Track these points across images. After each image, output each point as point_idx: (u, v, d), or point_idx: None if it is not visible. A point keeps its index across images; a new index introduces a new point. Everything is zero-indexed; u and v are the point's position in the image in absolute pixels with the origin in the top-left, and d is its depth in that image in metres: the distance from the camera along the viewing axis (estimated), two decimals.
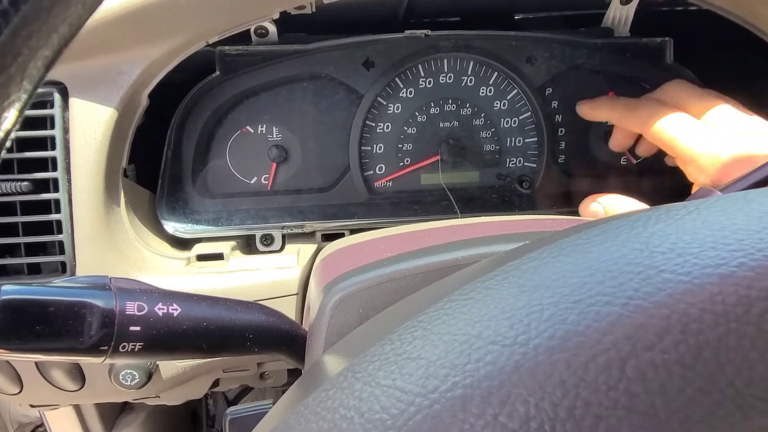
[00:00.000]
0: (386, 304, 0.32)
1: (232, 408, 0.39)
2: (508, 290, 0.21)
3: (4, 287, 0.27)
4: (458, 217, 0.59)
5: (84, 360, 0.28)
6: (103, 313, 0.28)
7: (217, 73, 0.58)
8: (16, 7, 0.14)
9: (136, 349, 0.29)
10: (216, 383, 0.60)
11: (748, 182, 0.45)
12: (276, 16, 0.48)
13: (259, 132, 0.61)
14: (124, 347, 0.29)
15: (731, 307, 0.18)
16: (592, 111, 0.61)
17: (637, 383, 0.17)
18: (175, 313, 0.30)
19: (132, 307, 0.29)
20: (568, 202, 0.63)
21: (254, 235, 0.57)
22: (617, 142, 0.62)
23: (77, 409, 0.79)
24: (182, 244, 0.55)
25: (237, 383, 0.65)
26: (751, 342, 0.17)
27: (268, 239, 0.58)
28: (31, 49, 0.16)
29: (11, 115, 0.17)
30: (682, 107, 0.55)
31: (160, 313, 0.30)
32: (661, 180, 0.66)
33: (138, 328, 0.29)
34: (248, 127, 0.61)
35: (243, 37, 0.57)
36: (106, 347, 0.28)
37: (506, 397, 0.17)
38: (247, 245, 0.59)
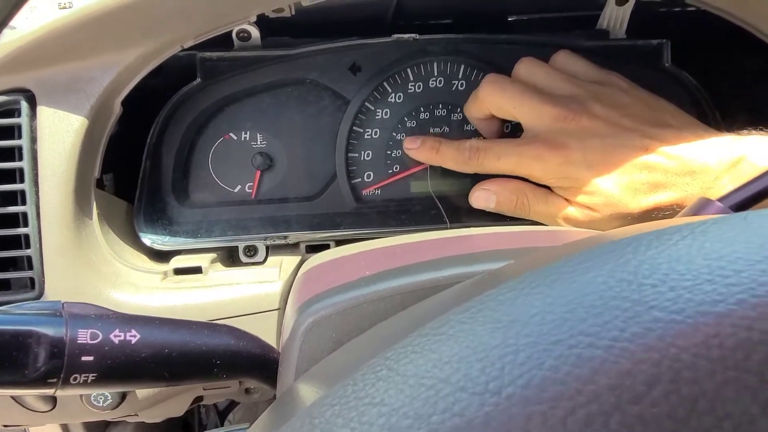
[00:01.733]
0: (361, 329, 0.30)
1: None
2: (483, 326, 0.19)
3: None
4: (448, 227, 0.56)
5: (32, 393, 0.26)
6: (51, 343, 0.26)
7: (198, 79, 0.56)
8: None
9: (89, 381, 0.27)
10: (200, 399, 0.58)
11: (749, 192, 0.43)
12: (253, 18, 0.46)
13: (242, 139, 0.59)
14: (75, 379, 0.27)
15: (730, 352, 0.15)
16: (420, 156, 0.58)
17: None
18: (134, 340, 0.28)
19: (84, 335, 0.27)
20: None
21: (237, 246, 0.55)
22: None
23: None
24: (161, 256, 0.53)
25: (221, 398, 0.63)
26: (752, 394, 0.15)
27: (251, 250, 0.56)
28: None
29: None
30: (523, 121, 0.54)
31: (116, 340, 0.28)
32: None
33: (91, 358, 0.27)
34: (231, 134, 0.59)
35: (225, 42, 0.55)
36: (54, 379, 0.26)
37: None
38: (230, 256, 0.57)
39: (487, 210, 0.57)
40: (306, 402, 0.25)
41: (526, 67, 0.56)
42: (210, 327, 0.32)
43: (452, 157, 0.56)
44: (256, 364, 0.33)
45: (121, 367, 0.28)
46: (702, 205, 0.43)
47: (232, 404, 1.07)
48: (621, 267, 0.19)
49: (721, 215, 0.24)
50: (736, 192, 0.43)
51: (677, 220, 0.29)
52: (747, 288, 0.17)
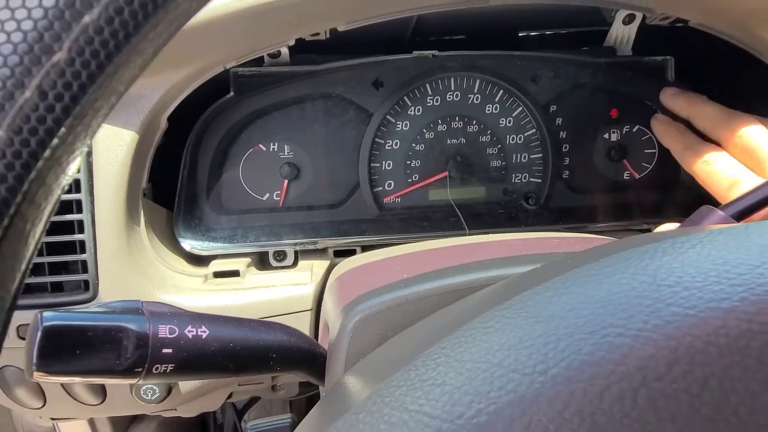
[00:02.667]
0: (404, 326, 0.34)
1: (252, 422, 0.40)
2: (526, 320, 0.23)
3: (46, 314, 0.28)
4: (467, 234, 0.60)
5: (119, 382, 0.30)
6: (137, 336, 0.30)
7: (232, 93, 0.59)
8: (92, 80, 0.15)
9: (168, 371, 0.31)
10: (230, 395, 0.61)
11: (749, 201, 0.47)
12: (292, 43, 0.50)
13: (271, 150, 0.63)
14: (157, 369, 0.30)
15: (734, 340, 0.19)
16: (661, 132, 0.61)
17: (648, 412, 0.18)
18: (204, 335, 0.32)
19: (164, 330, 0.31)
20: (573, 218, 0.65)
21: (267, 251, 0.59)
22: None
23: (90, 418, 0.81)
24: (199, 260, 0.57)
25: (249, 395, 0.66)
26: (752, 373, 0.19)
27: (281, 255, 0.59)
28: (95, 110, 0.18)
29: (75, 165, 0.19)
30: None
31: (189, 335, 0.31)
32: (664, 195, 0.67)
33: (170, 351, 0.30)
34: (261, 146, 0.63)
35: (256, 58, 0.59)
36: (140, 369, 0.30)
37: (528, 424, 0.19)
38: (261, 261, 0.61)
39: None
40: (363, 390, 0.28)
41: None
42: (266, 324, 0.36)
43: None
44: (306, 358, 0.37)
45: (194, 359, 0.31)
46: (705, 214, 0.47)
47: (249, 402, 1.11)
48: (641, 270, 0.23)
49: (725, 225, 0.27)
50: (737, 201, 0.47)
51: (684, 230, 0.32)
52: (748, 288, 0.20)
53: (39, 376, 0.28)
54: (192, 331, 0.31)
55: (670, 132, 0.60)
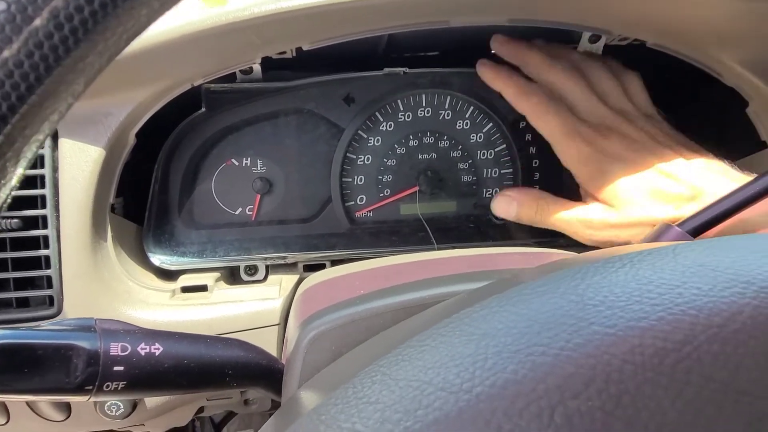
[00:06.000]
0: (358, 342, 0.34)
1: None
2: (459, 338, 0.23)
3: None
4: (435, 248, 0.61)
5: (70, 399, 0.30)
6: (88, 355, 0.30)
7: (203, 109, 0.60)
8: (13, 111, 0.16)
9: (119, 388, 0.31)
10: (201, 410, 0.61)
11: (705, 217, 0.48)
12: (258, 61, 0.51)
13: (243, 165, 0.63)
14: (108, 386, 0.30)
15: (648, 358, 0.20)
16: (491, 78, 0.61)
17: (564, 429, 0.19)
18: (157, 353, 0.32)
19: (116, 348, 0.31)
20: (542, 233, 0.66)
21: (238, 265, 0.59)
22: None
23: None
24: (168, 275, 0.57)
25: (221, 409, 0.66)
26: (664, 390, 0.19)
27: (252, 269, 0.60)
28: (26, 137, 0.18)
29: (3, 194, 0.19)
30: (572, 106, 0.58)
31: (142, 352, 0.32)
32: None
33: (121, 368, 0.31)
34: (233, 160, 0.63)
35: (228, 74, 0.60)
36: (90, 387, 0.30)
37: None
38: (232, 275, 0.61)
39: (508, 218, 0.61)
40: (311, 405, 0.29)
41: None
42: (223, 341, 0.36)
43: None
44: (264, 374, 0.37)
45: (146, 376, 0.32)
46: (662, 230, 0.48)
47: (227, 417, 1.10)
48: (571, 290, 0.24)
49: (661, 244, 0.28)
50: (694, 218, 0.48)
51: (631, 247, 0.33)
52: (666, 308, 0.21)
53: None
54: (145, 349, 0.32)
55: (500, 75, 0.61)
